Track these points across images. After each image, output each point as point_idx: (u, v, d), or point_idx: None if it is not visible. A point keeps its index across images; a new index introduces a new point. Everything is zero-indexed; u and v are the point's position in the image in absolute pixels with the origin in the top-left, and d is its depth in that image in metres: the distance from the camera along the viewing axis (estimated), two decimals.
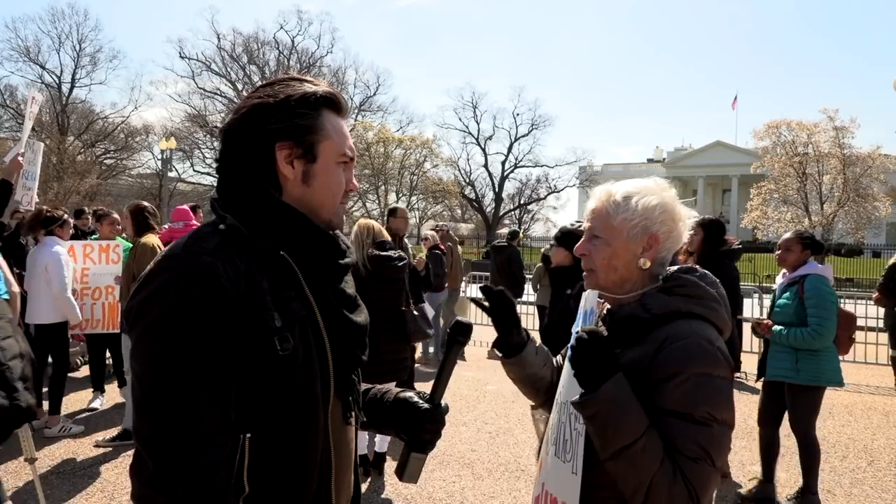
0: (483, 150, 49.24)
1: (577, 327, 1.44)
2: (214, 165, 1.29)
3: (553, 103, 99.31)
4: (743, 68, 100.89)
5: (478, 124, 49.22)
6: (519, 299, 9.57)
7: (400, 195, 39.71)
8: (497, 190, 49.09)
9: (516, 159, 49.27)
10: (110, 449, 4.75)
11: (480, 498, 4.12)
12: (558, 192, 49.17)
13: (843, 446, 5.34)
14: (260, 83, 1.34)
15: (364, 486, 4.21)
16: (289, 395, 1.13)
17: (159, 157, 37.52)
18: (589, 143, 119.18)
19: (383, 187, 38.86)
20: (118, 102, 73.56)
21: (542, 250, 10.17)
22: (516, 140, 48.92)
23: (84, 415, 5.60)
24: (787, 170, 29.73)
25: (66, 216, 5.49)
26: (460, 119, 53.82)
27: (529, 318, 10.98)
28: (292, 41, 44.41)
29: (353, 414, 1.30)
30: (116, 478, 4.25)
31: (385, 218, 5.60)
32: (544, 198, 48.83)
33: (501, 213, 48.38)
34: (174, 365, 1.05)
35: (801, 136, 29.89)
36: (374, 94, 46.14)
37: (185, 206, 7.03)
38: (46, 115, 38.69)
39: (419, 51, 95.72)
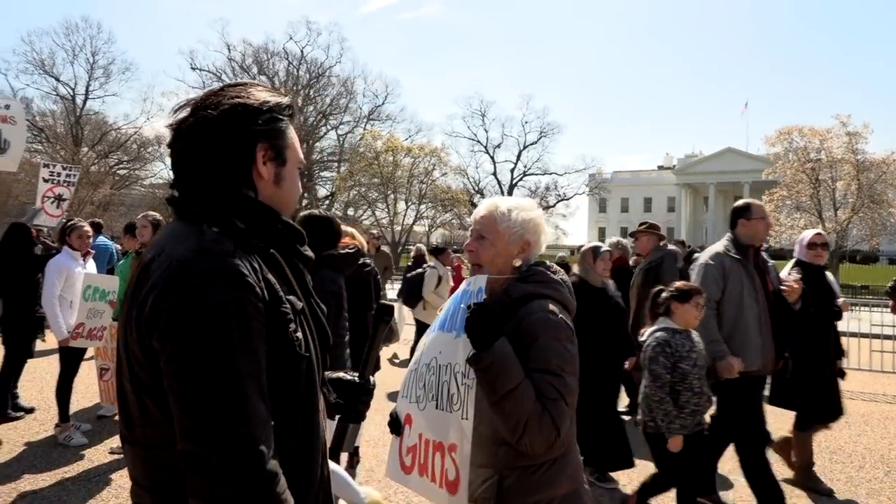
0: (492, 158, 49.46)
1: (462, 302, 1.77)
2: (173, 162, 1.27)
3: (562, 111, 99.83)
4: (753, 74, 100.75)
5: (486, 132, 49.49)
6: None
7: (409, 204, 39.79)
8: None
9: (525, 167, 49.43)
10: (123, 456, 4.79)
11: None
12: (567, 199, 49.12)
13: (859, 456, 5.27)
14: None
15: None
16: (300, 382, 1.20)
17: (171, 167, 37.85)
18: (598, 150, 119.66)
19: (392, 196, 38.96)
20: (131, 114, 74.56)
21: (556, 259, 10.23)
22: (525, 148, 49.11)
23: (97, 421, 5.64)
24: (800, 176, 29.49)
25: (76, 222, 5.44)
26: (469, 127, 54.34)
27: None
28: (301, 51, 44.94)
29: (325, 396, 1.38)
30: (129, 484, 4.27)
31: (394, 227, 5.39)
32: (554, 205, 48.78)
33: None
34: (225, 363, 1.07)
35: (813, 142, 29.65)
36: (383, 104, 46.65)
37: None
38: (61, 126, 39.24)
39: (427, 60, 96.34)
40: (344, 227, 4.77)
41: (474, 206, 45.35)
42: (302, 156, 1.35)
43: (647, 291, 5.58)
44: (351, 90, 45.80)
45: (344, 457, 4.63)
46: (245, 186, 1.23)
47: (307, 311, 1.26)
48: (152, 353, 1.10)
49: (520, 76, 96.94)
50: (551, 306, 1.73)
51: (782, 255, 38.27)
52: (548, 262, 1.87)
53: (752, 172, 48.90)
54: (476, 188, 47.68)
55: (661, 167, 68.27)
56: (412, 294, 8.41)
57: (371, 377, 1.56)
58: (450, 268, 8.91)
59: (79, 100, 40.65)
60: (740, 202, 4.05)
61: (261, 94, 1.26)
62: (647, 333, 3.53)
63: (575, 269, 4.82)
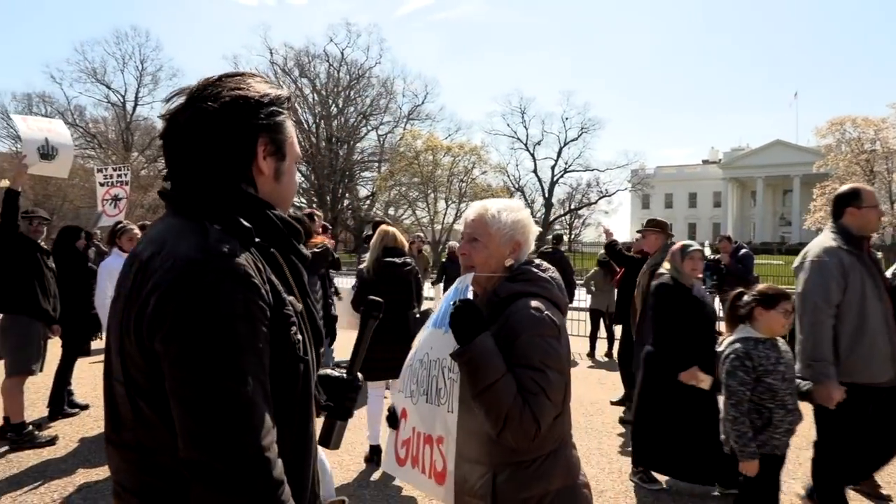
0: (532, 155, 49.17)
1: (451, 300, 1.79)
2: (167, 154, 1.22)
3: (603, 107, 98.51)
4: (802, 63, 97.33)
5: (526, 129, 49.21)
6: (570, 305, 9.53)
7: (449, 202, 39.89)
8: (547, 195, 48.80)
9: (566, 164, 48.95)
10: None
11: None
12: (610, 196, 48.42)
13: None
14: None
15: (377, 475, 4.22)
16: (297, 384, 1.17)
17: None
18: (641, 145, 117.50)
19: (432, 195, 39.08)
20: None
21: (598, 256, 10.05)
22: (566, 144, 48.63)
23: None
24: (853, 168, 28.41)
25: (126, 224, 5.60)
26: (508, 125, 54.20)
27: (581, 325, 10.79)
28: (342, 53, 45.42)
29: (316, 397, 1.36)
30: None
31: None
32: (595, 202, 48.17)
33: (552, 219, 47.94)
34: (232, 367, 1.03)
35: (867, 133, 28.54)
36: (422, 103, 46.81)
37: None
38: (112, 132, 40.82)
39: (466, 59, 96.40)
40: (386, 228, 4.87)
41: None
42: (299, 151, 1.32)
43: None
44: (391, 90, 46.23)
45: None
46: (244, 182, 1.19)
47: (304, 312, 1.22)
48: (152, 355, 1.05)
49: (559, 72, 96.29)
50: (536, 303, 1.78)
51: None
52: (537, 261, 1.93)
53: (803, 165, 47.33)
54: (516, 186, 47.43)
55: (706, 161, 66.61)
56: None
57: (359, 374, 1.56)
58: None
59: (129, 106, 42.25)
60: (846, 188, 3.51)
61: (261, 87, 1.21)
62: (724, 343, 3.18)
63: (665, 266, 4.53)
